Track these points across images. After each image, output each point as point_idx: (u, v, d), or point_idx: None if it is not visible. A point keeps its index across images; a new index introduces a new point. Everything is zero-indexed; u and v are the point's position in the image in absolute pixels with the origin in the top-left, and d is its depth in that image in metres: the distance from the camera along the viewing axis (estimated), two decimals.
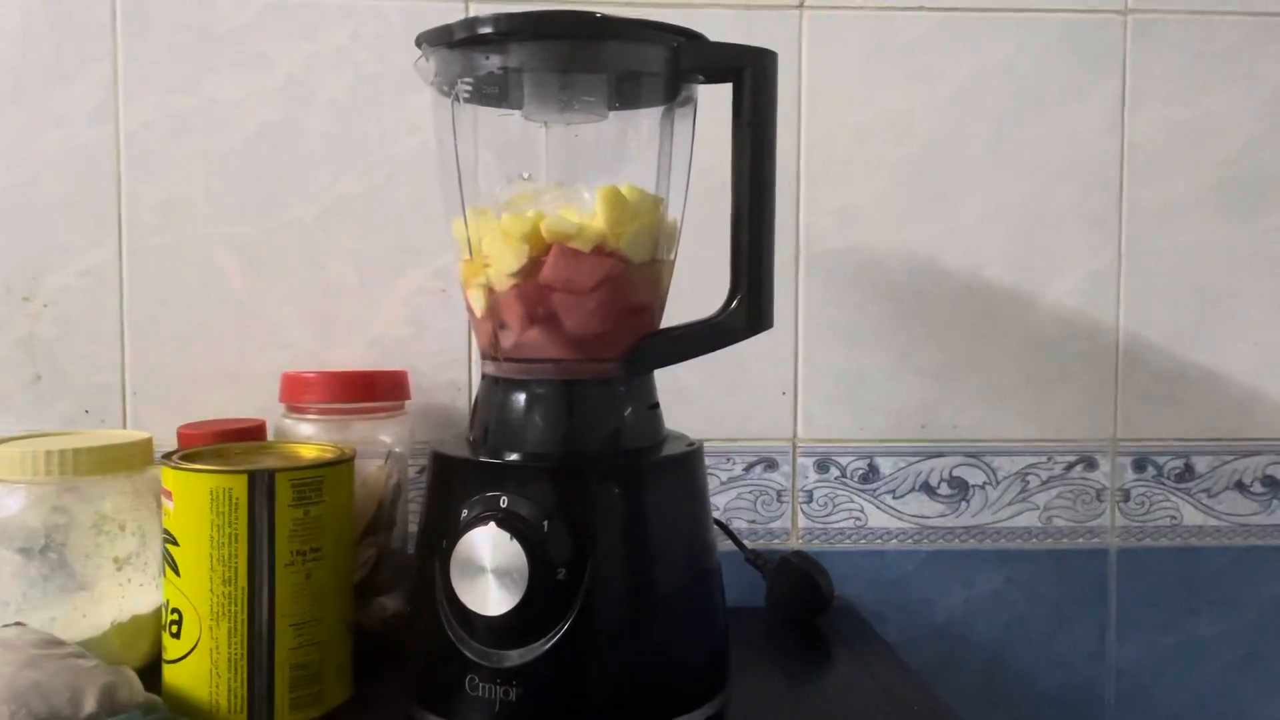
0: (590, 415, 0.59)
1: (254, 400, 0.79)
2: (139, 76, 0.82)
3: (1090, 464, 0.87)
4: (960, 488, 0.86)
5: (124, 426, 0.83)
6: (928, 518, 0.86)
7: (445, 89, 0.60)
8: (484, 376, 0.62)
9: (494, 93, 0.61)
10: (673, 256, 0.63)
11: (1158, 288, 0.87)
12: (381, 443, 0.74)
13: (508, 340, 0.60)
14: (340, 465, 0.63)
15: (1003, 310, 0.86)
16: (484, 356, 0.62)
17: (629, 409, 0.60)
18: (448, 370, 0.84)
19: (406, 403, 0.77)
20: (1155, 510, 0.87)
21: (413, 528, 0.78)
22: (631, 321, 0.60)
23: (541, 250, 0.58)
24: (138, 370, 0.83)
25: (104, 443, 0.66)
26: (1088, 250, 0.86)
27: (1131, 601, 0.87)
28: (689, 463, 0.61)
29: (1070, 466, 0.87)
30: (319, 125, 0.83)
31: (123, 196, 0.82)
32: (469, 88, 0.60)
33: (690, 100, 0.62)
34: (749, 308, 0.60)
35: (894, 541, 0.86)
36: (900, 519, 0.86)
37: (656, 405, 0.62)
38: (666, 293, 0.63)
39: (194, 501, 0.59)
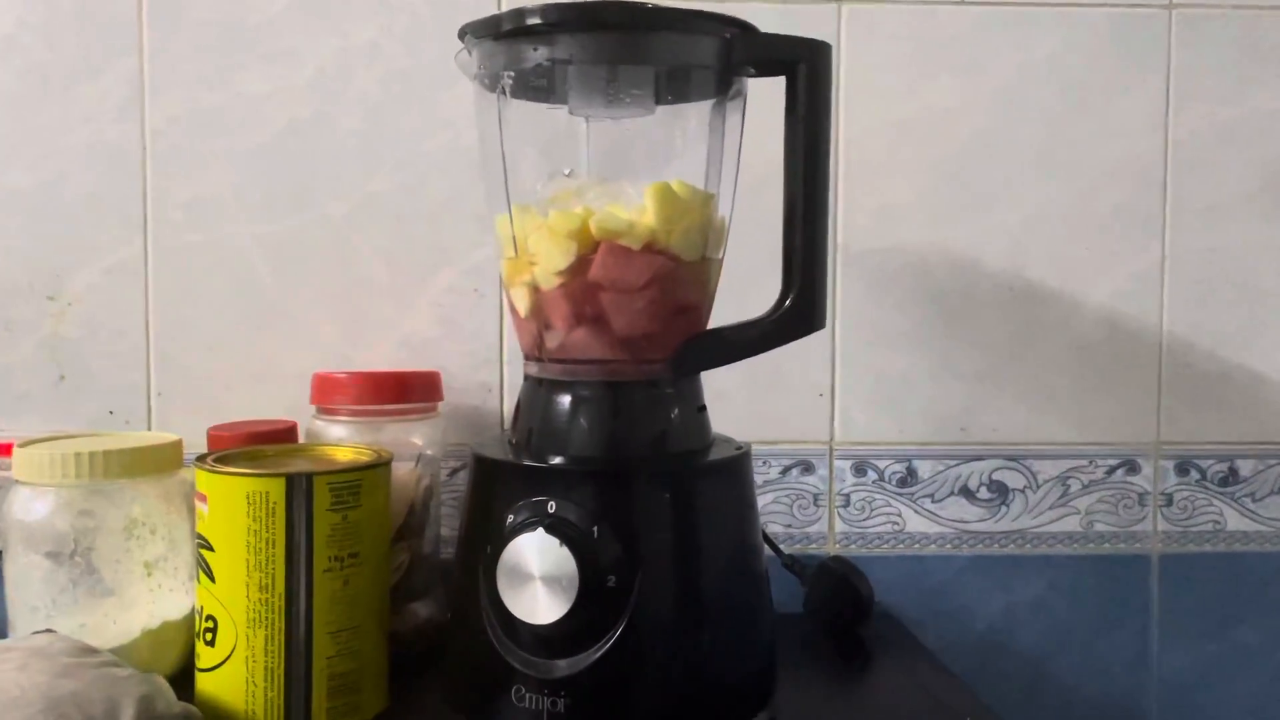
0: (637, 418, 0.58)
1: (282, 401, 0.78)
2: (166, 72, 0.80)
3: (1132, 468, 0.85)
4: (1000, 492, 0.85)
5: (149, 428, 0.81)
6: (967, 522, 0.85)
7: (488, 82, 0.59)
8: (526, 378, 0.61)
9: (540, 85, 0.60)
10: (721, 254, 0.61)
11: (1203, 289, 0.85)
12: (413, 445, 0.72)
13: (553, 341, 0.58)
14: (378, 468, 0.61)
15: (1045, 312, 0.84)
16: (527, 357, 0.61)
17: (676, 411, 0.59)
18: (479, 371, 0.82)
19: (439, 404, 0.76)
20: (1198, 515, 0.86)
21: (445, 531, 0.77)
22: (680, 321, 0.58)
23: (589, 248, 0.56)
24: (163, 371, 0.81)
25: (133, 444, 0.65)
26: (1132, 250, 0.85)
27: (1174, 608, 0.86)
28: (738, 467, 0.59)
29: (1112, 470, 0.85)
30: (349, 121, 0.81)
31: (149, 194, 0.81)
32: (513, 80, 0.58)
33: (741, 94, 0.60)
34: (802, 307, 0.58)
35: (933, 546, 0.85)
36: (939, 523, 0.85)
37: (704, 408, 0.61)
38: (715, 292, 0.61)
39: (230, 505, 0.57)
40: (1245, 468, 0.86)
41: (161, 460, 0.66)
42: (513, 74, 0.58)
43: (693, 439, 0.59)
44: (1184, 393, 0.85)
